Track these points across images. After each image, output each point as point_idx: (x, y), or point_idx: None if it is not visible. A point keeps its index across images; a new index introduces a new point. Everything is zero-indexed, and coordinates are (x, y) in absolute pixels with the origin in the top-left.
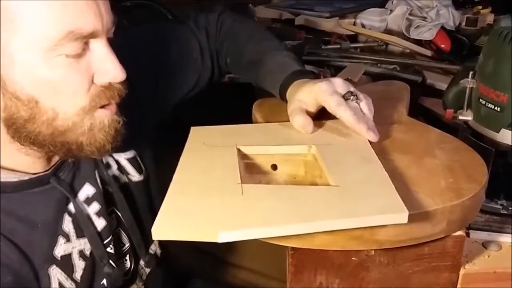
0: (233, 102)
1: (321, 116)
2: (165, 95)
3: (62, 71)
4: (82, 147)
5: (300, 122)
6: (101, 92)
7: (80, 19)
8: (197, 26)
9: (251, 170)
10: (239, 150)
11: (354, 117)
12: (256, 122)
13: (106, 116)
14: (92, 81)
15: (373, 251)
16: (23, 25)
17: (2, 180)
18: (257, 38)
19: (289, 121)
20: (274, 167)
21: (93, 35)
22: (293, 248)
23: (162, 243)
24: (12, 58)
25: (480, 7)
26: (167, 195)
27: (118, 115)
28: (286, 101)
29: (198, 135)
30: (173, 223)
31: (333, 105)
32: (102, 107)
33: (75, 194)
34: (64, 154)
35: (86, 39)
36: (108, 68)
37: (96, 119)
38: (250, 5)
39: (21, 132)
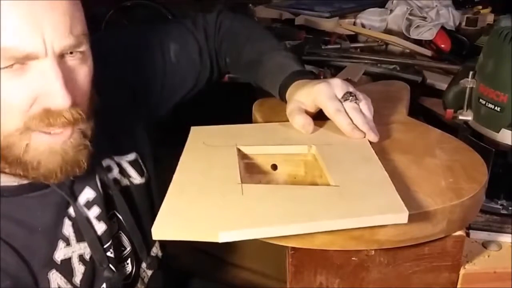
0: (233, 102)
1: (321, 116)
2: (164, 96)
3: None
4: (26, 168)
5: (301, 122)
6: (41, 116)
7: (14, 38)
8: (196, 26)
9: (251, 170)
10: (239, 150)
11: (350, 126)
12: (256, 122)
13: (46, 143)
14: (35, 100)
15: (373, 251)
16: None
17: (2, 184)
18: (256, 37)
19: (289, 121)
20: (274, 167)
21: (30, 57)
22: (293, 248)
23: (162, 244)
24: None
25: (480, 7)
26: (167, 195)
27: (69, 144)
28: (286, 102)
29: (198, 135)
30: (173, 223)
31: (331, 111)
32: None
33: (75, 197)
34: (16, 174)
35: (23, 60)
36: (50, 93)
37: (33, 142)
38: (250, 5)
39: None
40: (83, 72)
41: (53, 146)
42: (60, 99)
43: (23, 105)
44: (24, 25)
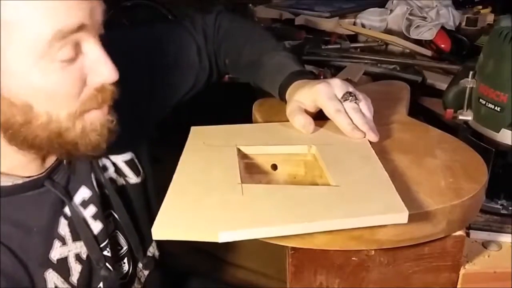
0: (233, 102)
1: (321, 116)
2: (163, 97)
3: (56, 76)
4: (77, 147)
5: (301, 122)
6: (93, 96)
7: (67, 15)
8: (195, 27)
9: (251, 170)
10: (239, 150)
11: (351, 126)
12: (256, 122)
13: (98, 119)
14: (85, 84)
15: (373, 251)
16: (16, 33)
17: None
18: (256, 38)
19: (289, 121)
20: (274, 167)
21: (82, 28)
22: (293, 248)
23: (159, 244)
24: (8, 68)
25: (480, 7)
26: (167, 195)
27: (110, 115)
28: (286, 102)
29: (198, 135)
30: (173, 223)
31: (332, 111)
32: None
33: (70, 197)
34: (63, 154)
35: (76, 33)
36: (101, 69)
37: (87, 121)
38: (250, 5)
39: (17, 136)
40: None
41: (102, 119)
42: (110, 72)
43: (76, 91)
44: (79, 5)
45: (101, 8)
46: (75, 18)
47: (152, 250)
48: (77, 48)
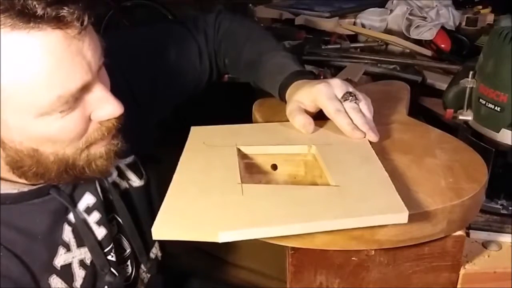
0: (233, 102)
1: (321, 116)
2: (164, 98)
3: (58, 124)
4: (84, 172)
5: (301, 122)
6: (98, 129)
7: (68, 80)
8: (196, 28)
9: (251, 170)
10: (239, 150)
11: (351, 126)
12: (256, 122)
13: (102, 146)
14: (89, 119)
15: (373, 251)
16: (13, 98)
17: (2, 192)
18: (255, 38)
19: (289, 121)
20: (274, 167)
21: (84, 87)
22: (293, 248)
23: (162, 244)
24: (7, 122)
25: (480, 7)
26: (167, 195)
27: (115, 139)
28: (285, 102)
29: (198, 135)
30: (173, 223)
31: (332, 111)
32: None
33: (75, 204)
34: (71, 181)
35: (77, 93)
36: (105, 106)
37: (92, 151)
38: (250, 5)
39: (27, 173)
40: (107, 79)
41: (107, 146)
42: (115, 109)
43: (80, 132)
44: (78, 65)
45: (98, 51)
46: (76, 81)
47: (155, 251)
48: (79, 97)
